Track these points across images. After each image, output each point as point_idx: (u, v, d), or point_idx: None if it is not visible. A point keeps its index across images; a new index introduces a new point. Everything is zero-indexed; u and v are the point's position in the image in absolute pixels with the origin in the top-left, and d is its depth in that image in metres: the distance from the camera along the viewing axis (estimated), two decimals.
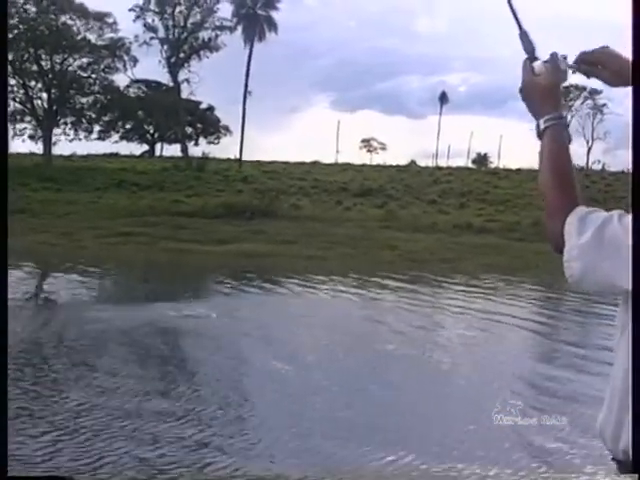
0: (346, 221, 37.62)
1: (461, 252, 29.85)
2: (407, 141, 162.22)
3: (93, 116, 67.01)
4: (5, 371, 2.75)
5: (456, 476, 7.02)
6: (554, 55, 2.23)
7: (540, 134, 2.19)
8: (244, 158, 66.75)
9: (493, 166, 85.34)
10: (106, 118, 72.53)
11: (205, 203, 39.85)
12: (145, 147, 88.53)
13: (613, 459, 2.05)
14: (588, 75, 2.33)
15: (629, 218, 1.94)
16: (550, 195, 2.11)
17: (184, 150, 67.28)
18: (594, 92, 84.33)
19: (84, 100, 64.56)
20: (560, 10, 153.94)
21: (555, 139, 2.16)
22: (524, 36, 2.25)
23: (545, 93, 2.20)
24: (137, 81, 72.80)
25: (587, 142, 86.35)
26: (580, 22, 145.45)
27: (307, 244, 30.45)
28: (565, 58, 2.25)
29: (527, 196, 45.89)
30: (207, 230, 32.77)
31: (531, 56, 2.24)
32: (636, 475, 1.85)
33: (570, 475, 6.90)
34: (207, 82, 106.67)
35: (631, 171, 2.03)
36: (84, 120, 65.76)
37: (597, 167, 77.81)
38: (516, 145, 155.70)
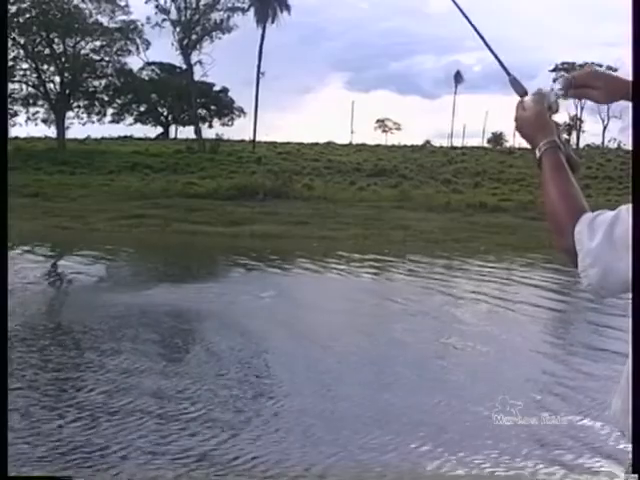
0: (359, 201, 37.60)
1: (475, 232, 29.75)
2: (422, 121, 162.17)
3: (106, 99, 67.20)
4: (5, 371, 2.69)
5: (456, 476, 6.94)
6: (539, 89, 2.31)
7: (539, 163, 2.22)
8: (259, 139, 66.86)
9: (508, 145, 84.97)
10: (119, 101, 72.82)
11: (218, 185, 39.82)
12: (160, 130, 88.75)
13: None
14: (579, 97, 2.43)
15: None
16: (556, 214, 2.09)
17: (197, 132, 67.24)
18: (609, 69, 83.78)
19: (97, 83, 64.83)
20: None
21: (551, 161, 2.18)
22: (514, 81, 2.36)
23: (533, 124, 2.26)
24: (150, 64, 72.97)
25: (602, 120, 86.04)
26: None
27: (320, 225, 30.42)
28: (556, 89, 2.33)
29: None
30: (220, 212, 32.78)
31: (523, 97, 2.33)
32: (636, 475, 1.83)
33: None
34: (221, 64, 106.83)
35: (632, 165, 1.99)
36: (97, 103, 65.96)
37: (613, 145, 77.64)
38: None
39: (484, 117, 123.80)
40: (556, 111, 2.31)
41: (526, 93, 2.33)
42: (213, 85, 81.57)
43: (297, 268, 20.85)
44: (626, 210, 1.91)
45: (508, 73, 2.37)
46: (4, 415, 2.69)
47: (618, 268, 1.88)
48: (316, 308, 14.61)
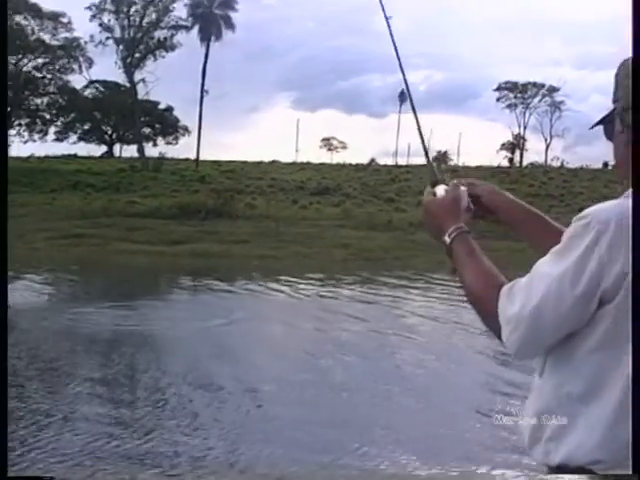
0: (301, 220, 37.56)
1: (416, 250, 29.79)
2: (368, 140, 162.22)
3: (48, 117, 66.75)
4: (5, 372, 2.66)
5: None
6: (455, 183, 2.37)
7: (449, 249, 2.22)
8: (205, 158, 66.69)
9: (452, 163, 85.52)
10: (63, 119, 72.31)
11: (160, 204, 39.61)
12: (104, 148, 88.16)
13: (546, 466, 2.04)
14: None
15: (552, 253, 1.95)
16: (477, 299, 2.10)
17: (140, 150, 66.93)
18: (552, 89, 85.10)
19: (39, 101, 64.39)
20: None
21: (463, 247, 2.19)
22: (431, 167, 2.45)
23: (444, 209, 2.29)
24: (94, 82, 72.59)
25: (545, 139, 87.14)
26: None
27: (260, 243, 30.40)
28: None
29: None
30: (161, 231, 32.61)
31: (434, 184, 2.39)
32: (636, 476, 1.84)
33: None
34: (166, 82, 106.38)
35: (631, 169, 1.99)
36: (39, 121, 65.51)
37: (556, 163, 78.54)
38: (475, 142, 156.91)
39: (429, 135, 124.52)
40: (465, 201, 2.33)
41: (437, 181, 2.38)
42: (158, 103, 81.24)
43: (233, 288, 20.75)
44: (544, 265, 1.95)
45: (428, 160, 2.57)
46: (4, 415, 2.66)
47: (542, 324, 1.91)
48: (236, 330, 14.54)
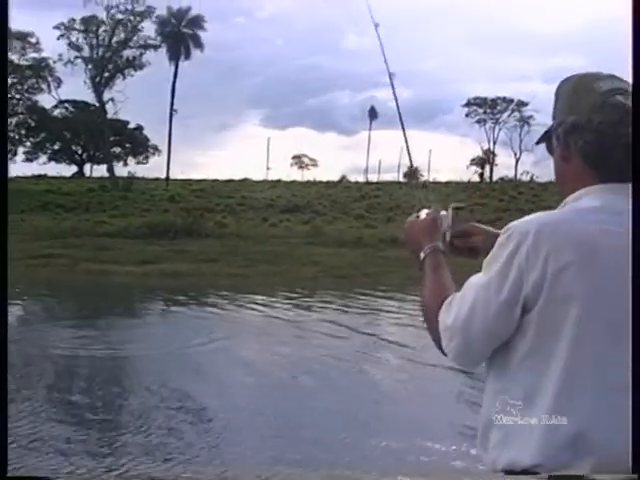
0: (271, 238, 37.48)
1: (386, 266, 29.79)
2: (339, 157, 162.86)
3: (17, 137, 66.40)
4: (5, 372, 2.65)
5: None
6: (436, 209, 2.54)
7: (421, 264, 2.36)
8: (174, 177, 66.57)
9: (423, 179, 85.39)
10: (33, 139, 71.99)
11: (129, 223, 39.48)
12: (75, 168, 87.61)
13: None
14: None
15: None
16: (427, 310, 2.20)
17: (110, 170, 66.65)
18: (521, 104, 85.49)
19: (7, 121, 64.06)
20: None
21: (432, 263, 2.32)
22: (419, 195, 2.74)
23: (424, 229, 2.44)
24: (63, 101, 72.34)
25: (515, 154, 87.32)
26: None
27: (230, 262, 30.30)
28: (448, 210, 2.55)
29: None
30: (129, 251, 32.43)
31: (419, 210, 2.57)
32: (636, 475, 1.86)
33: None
34: (136, 101, 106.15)
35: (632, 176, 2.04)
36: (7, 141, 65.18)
37: (526, 178, 78.79)
38: (445, 158, 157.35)
39: (399, 152, 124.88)
40: (446, 227, 2.50)
41: (424, 207, 2.57)
42: (127, 123, 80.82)
43: (202, 307, 20.69)
44: (475, 277, 2.07)
45: (424, 184, 2.80)
46: (4, 416, 2.64)
47: (472, 330, 2.02)
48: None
